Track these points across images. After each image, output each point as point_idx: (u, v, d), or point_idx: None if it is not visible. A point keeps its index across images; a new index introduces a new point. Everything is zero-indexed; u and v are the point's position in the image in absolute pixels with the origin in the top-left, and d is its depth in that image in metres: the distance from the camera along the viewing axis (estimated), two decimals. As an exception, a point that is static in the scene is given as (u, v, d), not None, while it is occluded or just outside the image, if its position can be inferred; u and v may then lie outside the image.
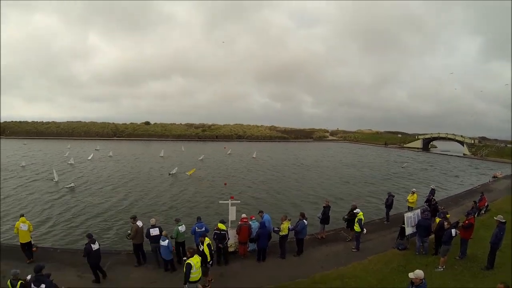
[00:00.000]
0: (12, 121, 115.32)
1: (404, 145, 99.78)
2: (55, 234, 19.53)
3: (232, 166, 49.46)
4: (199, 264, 10.29)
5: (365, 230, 15.25)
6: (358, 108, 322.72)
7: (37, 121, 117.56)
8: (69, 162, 47.31)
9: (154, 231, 13.14)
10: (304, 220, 14.62)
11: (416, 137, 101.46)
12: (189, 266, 9.97)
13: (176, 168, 38.05)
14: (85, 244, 12.06)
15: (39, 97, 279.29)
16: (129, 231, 13.62)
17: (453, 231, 12.57)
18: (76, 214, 23.04)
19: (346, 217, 17.08)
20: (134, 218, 13.77)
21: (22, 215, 14.71)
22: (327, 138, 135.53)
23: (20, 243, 14.11)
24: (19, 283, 9.37)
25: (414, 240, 15.42)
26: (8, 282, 9.52)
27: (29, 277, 9.40)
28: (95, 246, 11.99)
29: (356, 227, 15.10)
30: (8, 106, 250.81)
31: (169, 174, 38.59)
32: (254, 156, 64.33)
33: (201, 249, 11.22)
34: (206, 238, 11.64)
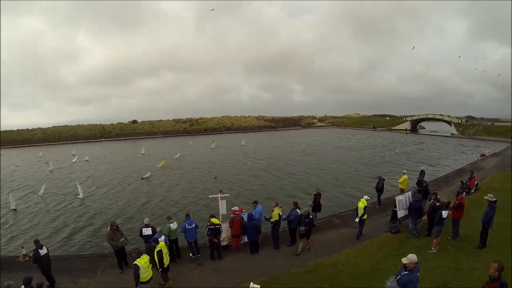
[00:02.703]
0: None
1: (393, 128, 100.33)
2: (47, 242, 19.13)
3: (221, 159, 49.24)
4: (147, 264, 10.20)
5: (357, 219, 15.19)
6: (347, 94, 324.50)
7: (22, 129, 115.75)
8: (49, 169, 45.74)
9: (147, 231, 13.03)
10: (297, 210, 14.53)
11: (404, 119, 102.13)
12: (136, 267, 9.91)
13: (149, 173, 36.90)
14: (33, 251, 11.95)
15: (25, 104, 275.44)
16: (122, 239, 13.15)
17: (444, 212, 12.56)
18: (65, 221, 22.52)
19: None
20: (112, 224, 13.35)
21: None
22: (316, 125, 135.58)
23: None
24: None
25: (406, 222, 15.48)
26: None
27: (22, 286, 9.22)
28: (43, 251, 11.89)
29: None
30: None
31: (142, 178, 35.82)
32: (242, 143, 65.54)
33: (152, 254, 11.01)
34: (161, 243, 11.31)
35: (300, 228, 13.54)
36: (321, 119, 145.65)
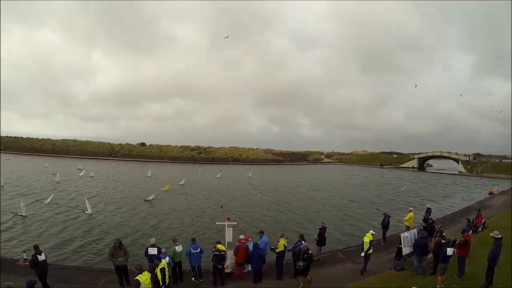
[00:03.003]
0: (8, 136, 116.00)
1: (400, 165, 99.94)
2: (51, 251, 19.15)
3: (228, 189, 49.07)
4: (149, 280, 10.31)
5: (363, 253, 15.09)
6: (354, 130, 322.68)
7: (32, 137, 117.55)
8: (56, 180, 46.23)
9: (153, 250, 13.10)
10: (303, 242, 14.50)
11: (411, 157, 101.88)
12: (137, 283, 10.05)
13: (153, 195, 36.65)
14: (32, 256, 12.15)
15: (36, 114, 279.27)
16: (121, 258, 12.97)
17: (449, 249, 12.43)
18: (71, 233, 22.57)
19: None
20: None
21: None
22: (323, 161, 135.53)
23: None
24: None
25: (411, 260, 15.31)
26: None
27: None
28: (41, 257, 12.13)
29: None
30: (5, 121, 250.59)
31: (145, 200, 35.54)
32: (250, 175, 65.43)
33: (155, 272, 11.11)
34: (164, 262, 11.53)
35: (298, 264, 13.19)
36: (328, 155, 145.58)
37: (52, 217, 26.13)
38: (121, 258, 12.66)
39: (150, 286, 10.43)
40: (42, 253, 12.32)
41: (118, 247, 12.83)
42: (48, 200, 31.40)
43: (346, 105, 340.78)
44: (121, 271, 12.88)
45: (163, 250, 12.87)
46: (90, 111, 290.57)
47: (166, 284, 11.20)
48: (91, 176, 53.78)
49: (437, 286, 12.42)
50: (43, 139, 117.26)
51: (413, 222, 21.03)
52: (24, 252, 14.89)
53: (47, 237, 21.18)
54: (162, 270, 11.00)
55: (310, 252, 13.05)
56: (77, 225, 24.35)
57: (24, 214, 25.22)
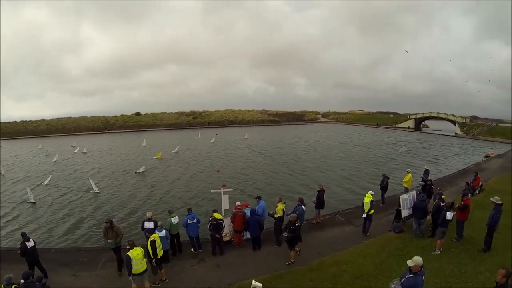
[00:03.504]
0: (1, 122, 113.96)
1: (396, 125, 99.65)
2: (51, 235, 19.19)
3: (222, 153, 49.09)
4: (140, 256, 10.18)
5: (364, 214, 15.10)
6: (351, 90, 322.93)
7: (26, 120, 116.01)
8: (54, 160, 46.14)
9: (149, 224, 12.89)
10: (302, 206, 14.46)
11: (408, 117, 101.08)
12: (128, 258, 9.97)
13: (144, 167, 36.12)
14: (20, 243, 12.04)
15: (29, 95, 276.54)
16: (110, 240, 12.51)
17: (449, 214, 12.40)
18: (66, 213, 22.52)
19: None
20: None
21: None
22: (319, 120, 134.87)
23: None
24: (12, 287, 9.21)
25: (410, 222, 15.38)
26: (2, 287, 9.33)
27: (22, 281, 9.19)
28: (30, 244, 11.95)
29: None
30: None
31: (135, 172, 35.17)
32: (246, 137, 66.54)
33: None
34: (155, 235, 11.41)
35: (283, 234, 13.03)
36: (324, 115, 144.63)
37: (61, 200, 25.84)
38: (110, 240, 12.26)
39: (144, 261, 10.35)
40: (31, 240, 12.17)
41: (109, 228, 12.33)
42: (47, 182, 31.40)
43: (343, 66, 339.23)
44: (114, 252, 12.56)
45: (159, 223, 12.72)
46: (83, 85, 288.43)
47: (158, 256, 11.06)
48: (84, 153, 53.22)
49: (436, 250, 12.51)
50: (37, 121, 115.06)
51: (411, 183, 21.05)
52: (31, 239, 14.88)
53: (59, 222, 20.97)
54: (152, 242, 10.88)
55: (297, 223, 12.43)
56: (84, 205, 24.17)
57: (32, 200, 24.85)
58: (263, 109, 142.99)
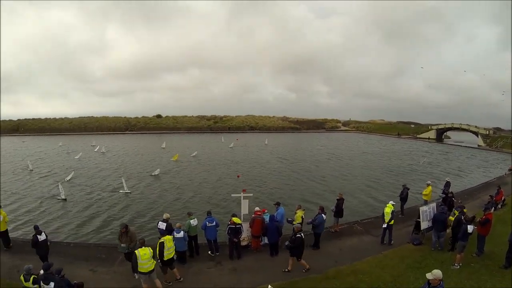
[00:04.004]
0: (26, 119, 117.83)
1: (417, 136, 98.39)
2: (70, 229, 19.79)
3: (242, 159, 49.38)
4: (147, 256, 10.31)
5: (384, 225, 15.01)
6: (372, 99, 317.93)
7: (50, 118, 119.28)
8: (76, 157, 48.22)
9: (161, 225, 13.24)
10: (323, 215, 14.45)
11: (430, 128, 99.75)
12: (134, 256, 10.23)
13: (158, 170, 36.39)
14: (32, 236, 12.52)
15: (54, 94, 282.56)
16: (123, 245, 12.34)
17: (470, 227, 12.16)
18: (96, 211, 22.98)
19: None
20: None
21: None
22: (339, 129, 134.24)
23: None
24: (31, 278, 9.49)
25: (429, 235, 15.15)
26: (21, 277, 9.65)
27: (42, 271, 9.44)
28: (41, 237, 12.46)
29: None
30: (23, 104, 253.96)
31: (151, 175, 35.21)
32: (266, 143, 67.44)
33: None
34: (166, 237, 11.55)
35: (285, 243, 12.71)
36: (345, 123, 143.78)
37: (91, 198, 26.53)
38: (123, 245, 12.09)
39: (152, 261, 10.51)
40: (43, 233, 12.68)
41: (124, 233, 12.18)
42: (69, 178, 32.57)
43: (364, 74, 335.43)
44: (127, 257, 12.39)
45: (177, 225, 12.88)
46: (106, 86, 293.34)
47: (165, 259, 11.19)
48: (103, 152, 54.88)
49: (455, 264, 12.29)
50: (61, 119, 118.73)
51: (431, 196, 20.76)
52: (43, 232, 15.30)
53: (88, 219, 21.42)
54: (161, 244, 11.07)
55: (301, 235, 12.12)
56: (114, 204, 24.63)
57: (63, 197, 25.34)
58: (284, 116, 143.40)
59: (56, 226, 20.07)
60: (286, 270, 12.54)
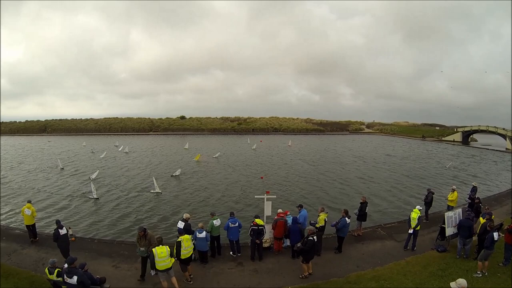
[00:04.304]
0: (53, 119, 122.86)
1: (443, 138, 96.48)
2: (101, 226, 20.34)
3: (266, 160, 49.53)
4: (165, 254, 10.53)
5: (411, 230, 14.77)
6: (396, 100, 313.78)
7: (76, 118, 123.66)
8: (101, 156, 50.41)
9: (180, 225, 13.40)
10: (347, 218, 14.35)
11: (455, 130, 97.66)
12: (152, 255, 10.53)
13: (179, 170, 36.85)
14: (54, 230, 13.13)
15: (80, 96, 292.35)
16: (142, 249, 11.95)
17: (495, 234, 11.86)
18: (128, 211, 23.33)
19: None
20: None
21: (29, 201, 16.24)
22: (363, 131, 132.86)
23: (25, 225, 15.88)
24: (55, 271, 9.92)
25: (455, 242, 14.83)
26: (46, 270, 10.09)
27: (66, 265, 9.72)
28: (62, 231, 13.07)
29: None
30: (49, 105, 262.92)
31: (171, 176, 35.53)
32: (289, 144, 68.10)
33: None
34: (185, 236, 11.75)
35: (297, 245, 12.53)
36: (369, 125, 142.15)
37: (122, 196, 27.18)
38: (142, 248, 11.77)
39: (169, 259, 10.72)
40: (64, 228, 13.33)
41: (143, 236, 11.89)
42: (94, 176, 33.52)
43: (387, 75, 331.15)
44: (144, 261, 12.15)
45: (199, 225, 13.03)
46: (130, 88, 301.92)
47: (182, 257, 11.41)
48: (126, 152, 56.66)
49: (478, 272, 12.03)
50: (86, 119, 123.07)
51: (457, 202, 20.24)
52: (70, 228, 15.96)
53: (119, 218, 21.83)
54: (178, 243, 11.31)
55: (313, 238, 11.96)
56: (145, 204, 24.99)
57: (95, 196, 25.83)
58: (307, 118, 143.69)
59: (87, 223, 20.61)
60: (303, 276, 12.43)
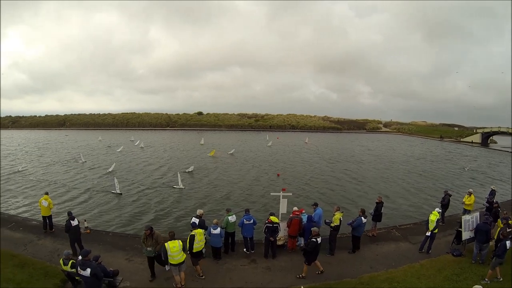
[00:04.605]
0: (72, 114, 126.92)
1: (461, 139, 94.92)
2: (109, 219, 20.83)
3: (283, 157, 49.51)
4: (177, 249, 10.69)
5: (428, 233, 14.58)
6: (414, 100, 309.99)
7: (94, 113, 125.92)
8: (118, 150, 51.93)
9: (195, 220, 13.44)
10: (363, 217, 14.30)
11: (474, 131, 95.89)
12: (164, 249, 10.65)
13: (192, 167, 36.90)
14: (66, 221, 13.56)
15: (98, 91, 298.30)
16: (149, 249, 11.49)
17: (508, 243, 11.57)
18: (150, 206, 23.56)
19: None
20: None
21: (46, 193, 16.86)
22: (380, 130, 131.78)
23: (42, 215, 16.44)
24: (70, 262, 10.23)
25: (471, 246, 14.53)
26: (61, 261, 10.38)
27: (80, 257, 9.97)
28: (74, 223, 13.46)
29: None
30: (70, 100, 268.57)
31: (184, 172, 34.82)
32: (306, 141, 68.42)
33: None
34: (197, 230, 11.88)
35: (300, 245, 12.64)
36: (386, 124, 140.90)
37: (141, 190, 27.58)
38: (149, 248, 11.35)
39: (182, 253, 10.92)
40: (75, 219, 13.70)
41: (149, 235, 11.43)
42: (111, 169, 34.64)
43: (405, 73, 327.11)
44: (151, 261, 11.82)
45: (214, 221, 13.12)
46: (148, 84, 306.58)
47: (194, 251, 11.58)
48: (141, 147, 57.40)
49: (486, 279, 11.80)
50: (104, 114, 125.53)
51: (473, 206, 19.75)
52: (85, 221, 16.50)
53: (142, 214, 22.10)
54: (191, 236, 11.49)
55: (316, 239, 11.76)
56: (168, 199, 25.26)
57: (118, 191, 25.95)
58: (325, 116, 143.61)
59: (107, 218, 21.00)
60: (301, 276, 12.36)
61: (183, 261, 10.99)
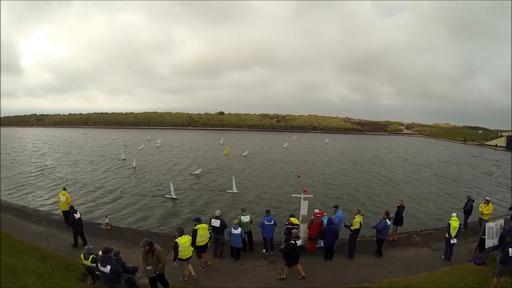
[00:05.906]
0: (94, 113, 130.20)
1: (485, 143, 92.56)
2: (129, 216, 21.24)
3: (303, 159, 49.24)
4: (187, 244, 11.06)
5: (453, 240, 14.27)
6: (436, 100, 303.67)
7: (116, 112, 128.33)
8: (139, 148, 53.99)
9: (215, 222, 13.26)
10: (387, 220, 14.20)
11: (499, 134, 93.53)
12: (176, 245, 10.86)
13: (200, 169, 35.77)
14: (69, 215, 14.45)
15: (121, 90, 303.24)
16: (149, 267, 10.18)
17: (511, 250, 11.24)
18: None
19: None
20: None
21: (64, 189, 17.52)
22: (402, 132, 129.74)
23: (62, 210, 17.32)
24: (90, 257, 10.58)
25: (494, 255, 14.14)
26: (81, 255, 10.67)
27: (100, 253, 10.17)
28: (77, 216, 14.20)
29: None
30: (92, 99, 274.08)
31: (190, 174, 34.69)
32: (326, 141, 68.85)
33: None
34: (200, 225, 12.08)
35: (281, 246, 12.43)
36: (408, 126, 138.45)
37: (198, 194, 27.33)
38: (149, 267, 10.03)
39: (191, 248, 11.31)
40: (78, 212, 14.41)
41: (149, 252, 9.98)
42: (134, 164, 36.18)
43: (429, 74, 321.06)
44: (152, 282, 10.48)
45: (234, 222, 13.39)
46: (171, 83, 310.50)
47: (197, 244, 11.94)
48: (157, 146, 58.10)
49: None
50: (126, 113, 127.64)
51: (490, 216, 18.72)
52: (106, 217, 17.07)
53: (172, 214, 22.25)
54: (194, 231, 11.86)
55: (294, 241, 11.66)
56: (222, 204, 24.46)
57: (174, 196, 25.46)
58: (346, 117, 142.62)
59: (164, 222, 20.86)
60: (281, 277, 12.35)
61: (191, 256, 11.41)
